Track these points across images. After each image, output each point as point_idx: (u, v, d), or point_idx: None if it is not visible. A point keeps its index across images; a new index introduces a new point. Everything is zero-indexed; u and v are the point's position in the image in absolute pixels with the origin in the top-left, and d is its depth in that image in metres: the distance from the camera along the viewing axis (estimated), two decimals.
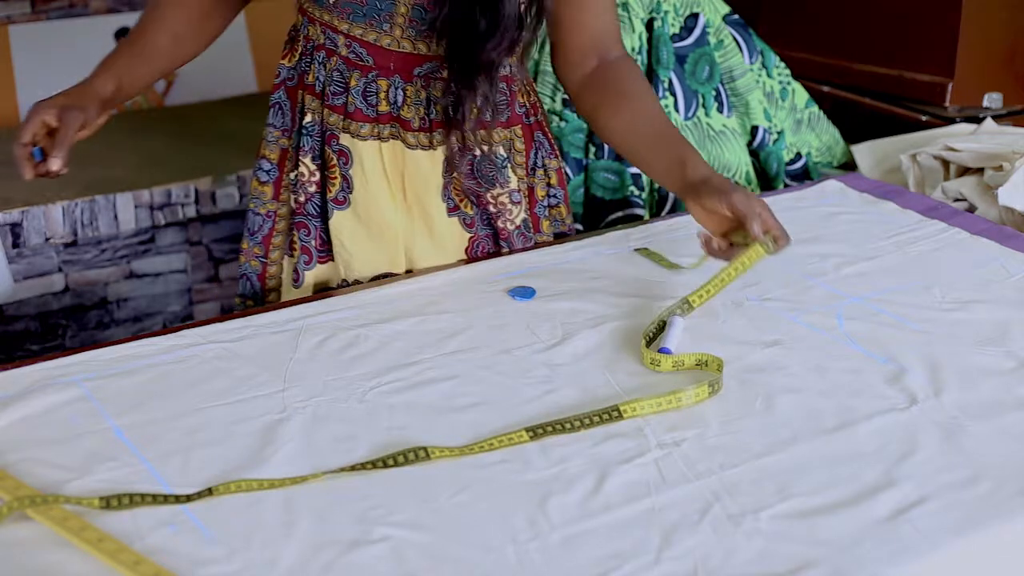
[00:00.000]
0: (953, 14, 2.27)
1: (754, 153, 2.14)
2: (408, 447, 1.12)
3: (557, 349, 1.32)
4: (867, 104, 2.37)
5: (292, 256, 1.58)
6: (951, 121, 2.23)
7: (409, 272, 1.55)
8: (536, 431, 1.15)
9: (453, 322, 1.38)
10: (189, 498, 1.05)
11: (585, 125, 1.98)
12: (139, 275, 2.48)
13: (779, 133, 2.17)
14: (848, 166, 2.23)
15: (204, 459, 1.11)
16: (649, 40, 2.04)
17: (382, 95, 1.49)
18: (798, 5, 2.54)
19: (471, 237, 1.56)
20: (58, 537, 0.99)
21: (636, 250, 1.57)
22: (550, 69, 1.90)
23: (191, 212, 2.45)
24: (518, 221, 1.57)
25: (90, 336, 2.45)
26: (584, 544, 1.01)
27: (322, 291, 1.57)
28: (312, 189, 1.55)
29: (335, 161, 1.52)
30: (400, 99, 1.50)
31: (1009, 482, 1.10)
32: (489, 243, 1.58)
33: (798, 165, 2.21)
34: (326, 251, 1.57)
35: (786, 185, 2.15)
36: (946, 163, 1.92)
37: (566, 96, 1.95)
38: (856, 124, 2.31)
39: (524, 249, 1.58)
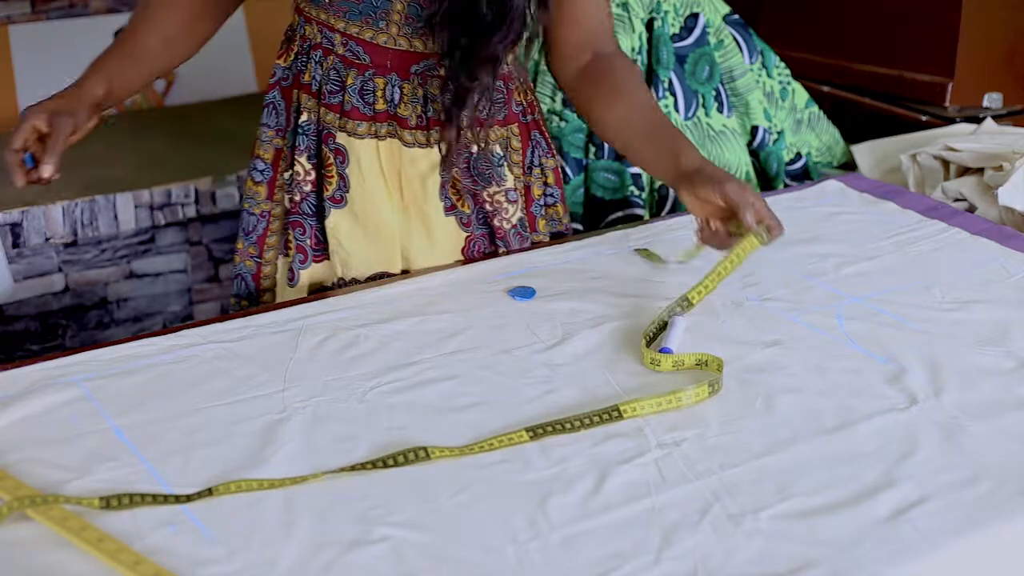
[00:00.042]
0: (953, 14, 2.27)
1: (754, 153, 2.14)
2: (408, 447, 1.12)
3: (557, 349, 1.32)
4: (867, 104, 2.37)
5: (287, 256, 1.58)
6: (951, 121, 2.23)
7: (405, 272, 1.55)
8: (536, 431, 1.15)
9: (453, 322, 1.38)
10: (189, 498, 1.05)
11: (585, 125, 1.98)
12: (139, 275, 2.48)
13: (779, 133, 2.17)
14: (848, 166, 2.23)
15: (204, 459, 1.11)
16: (649, 40, 2.04)
17: (379, 93, 1.50)
18: (798, 5, 2.54)
19: (467, 236, 1.56)
20: (58, 537, 0.99)
21: (636, 250, 1.57)
22: None
23: (191, 212, 2.45)
24: (514, 220, 1.57)
25: (90, 336, 2.45)
26: (584, 544, 1.01)
27: (317, 290, 1.57)
28: (307, 188, 1.55)
29: (332, 160, 1.52)
30: (397, 97, 1.50)
31: (1009, 482, 1.10)
32: (485, 242, 1.58)
33: (798, 165, 2.21)
34: (321, 250, 1.57)
35: (786, 185, 2.15)
36: (946, 163, 1.92)
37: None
38: (856, 124, 2.31)
39: (524, 249, 1.58)
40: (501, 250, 1.57)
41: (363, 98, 1.50)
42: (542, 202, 1.62)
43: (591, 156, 2.00)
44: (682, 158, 1.42)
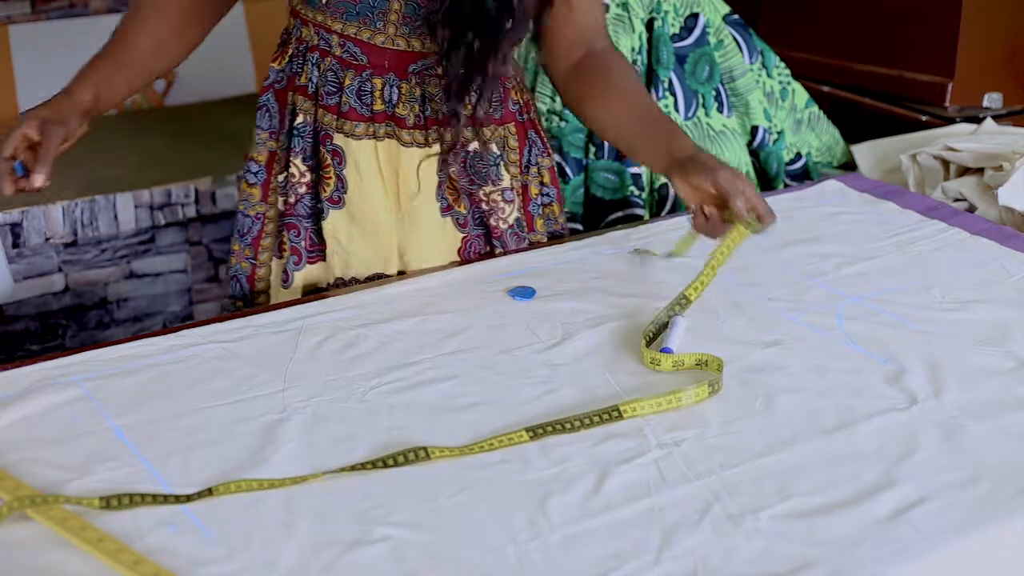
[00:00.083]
0: (953, 14, 2.27)
1: (754, 153, 2.14)
2: (408, 447, 1.12)
3: (557, 349, 1.32)
4: (867, 104, 2.37)
5: (281, 258, 1.58)
6: (951, 121, 2.23)
7: (402, 273, 1.55)
8: (536, 431, 1.15)
9: (453, 322, 1.38)
10: (189, 498, 1.05)
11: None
12: (139, 275, 2.48)
13: (779, 133, 2.17)
14: (848, 166, 2.23)
15: (204, 459, 1.11)
16: (649, 40, 2.04)
17: (377, 94, 1.49)
18: (798, 5, 2.54)
19: (464, 237, 1.56)
20: (58, 537, 0.99)
21: (636, 250, 1.57)
22: None
23: (191, 212, 2.45)
24: (511, 220, 1.57)
25: (90, 336, 2.45)
26: (584, 544, 1.01)
27: (311, 292, 1.56)
28: (302, 190, 1.55)
29: (329, 161, 1.52)
30: (395, 97, 1.50)
31: (1009, 482, 1.10)
32: (482, 243, 1.58)
33: (798, 165, 2.21)
34: (316, 252, 1.57)
35: (786, 185, 2.15)
36: (946, 163, 1.92)
37: None
38: (856, 124, 2.31)
39: (523, 249, 1.58)
40: (498, 250, 1.57)
41: (361, 99, 1.50)
42: (539, 201, 1.62)
43: (591, 156, 2.00)
44: (675, 146, 1.43)
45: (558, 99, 2.00)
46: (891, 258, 1.56)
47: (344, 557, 0.98)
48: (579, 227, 1.98)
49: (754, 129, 2.13)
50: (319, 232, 1.56)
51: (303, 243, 1.56)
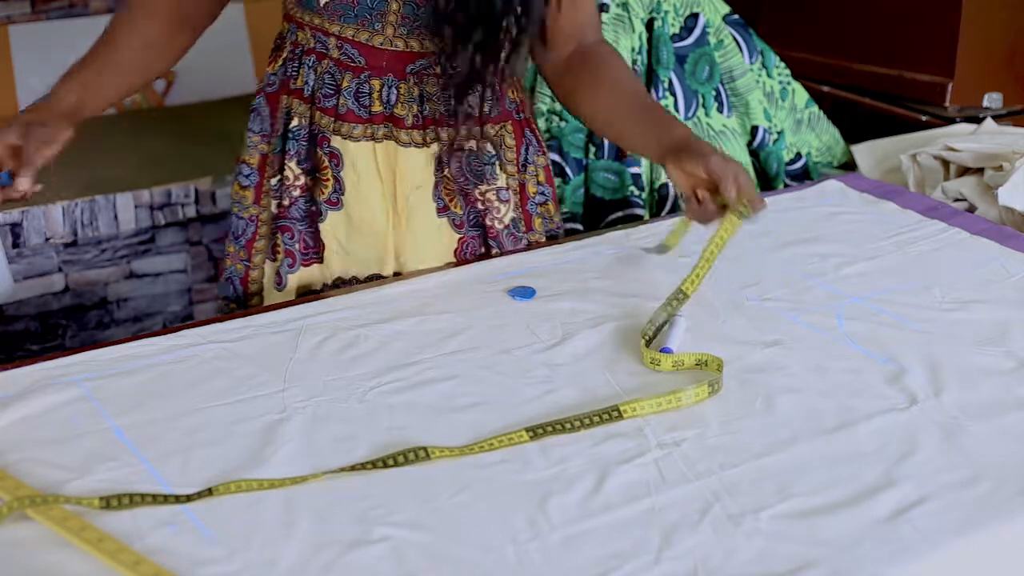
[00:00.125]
0: (953, 14, 2.28)
1: (754, 153, 2.15)
2: (408, 447, 1.12)
3: (557, 349, 1.32)
4: (867, 104, 2.37)
5: (275, 260, 1.58)
6: (951, 121, 2.23)
7: (398, 274, 1.55)
8: (536, 431, 1.15)
9: (453, 322, 1.38)
10: (189, 498, 1.05)
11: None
12: (139, 275, 2.48)
13: (779, 133, 2.17)
14: (848, 166, 2.23)
15: (204, 459, 1.11)
16: (649, 40, 2.04)
17: (375, 95, 1.49)
18: (798, 5, 2.54)
19: (460, 238, 1.56)
20: (58, 537, 0.99)
21: (644, 249, 1.56)
22: None
23: (191, 212, 2.45)
24: (506, 220, 1.57)
25: (90, 336, 2.45)
26: (584, 544, 1.01)
27: (305, 294, 1.56)
28: (296, 193, 1.55)
29: (327, 163, 1.52)
30: (393, 97, 1.50)
31: (1009, 482, 1.10)
32: (478, 243, 1.57)
33: (798, 165, 2.21)
34: (310, 254, 1.56)
35: (786, 185, 2.16)
36: (946, 163, 1.92)
37: None
38: (856, 124, 2.32)
39: (523, 249, 1.58)
40: (494, 251, 1.57)
41: (359, 101, 1.49)
42: (536, 200, 1.62)
43: (591, 156, 2.00)
44: (669, 132, 1.44)
45: None
46: (891, 258, 1.56)
47: (344, 557, 0.98)
48: (579, 227, 1.98)
49: (754, 129, 2.13)
50: (313, 235, 1.55)
51: (297, 246, 1.56)
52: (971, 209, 1.81)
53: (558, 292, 1.45)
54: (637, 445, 1.14)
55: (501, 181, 1.56)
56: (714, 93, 2.09)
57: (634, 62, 2.03)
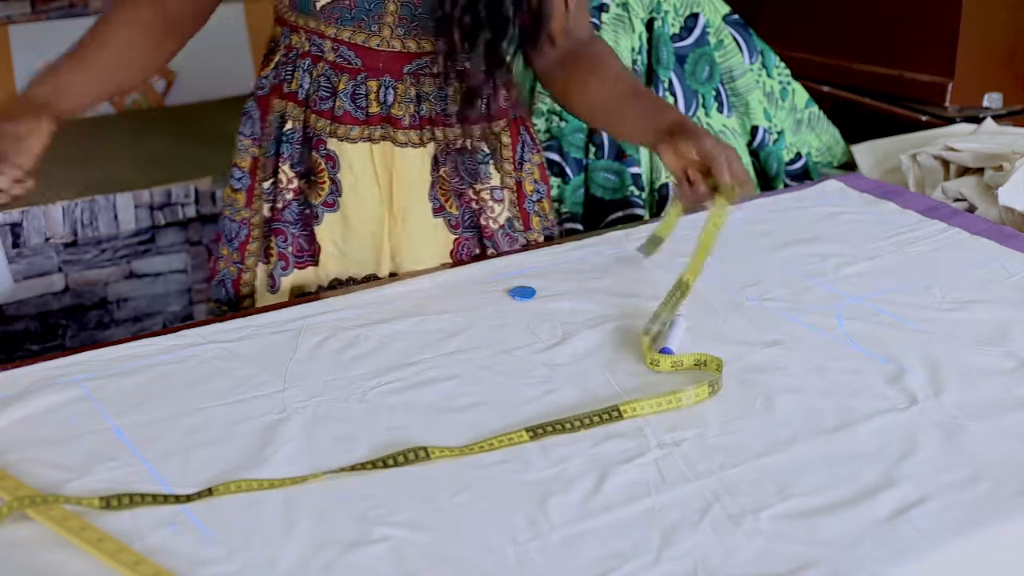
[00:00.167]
0: (953, 14, 2.28)
1: (754, 153, 2.15)
2: (408, 447, 1.12)
3: (557, 349, 1.32)
4: (867, 104, 2.37)
5: (267, 263, 1.57)
6: (951, 121, 2.23)
7: (394, 275, 1.55)
8: (536, 431, 1.15)
9: (453, 322, 1.38)
10: (189, 498, 1.05)
11: (585, 125, 1.98)
12: (139, 275, 2.48)
13: (779, 133, 2.17)
14: (848, 166, 2.23)
15: (204, 459, 1.11)
16: (649, 40, 2.04)
17: (372, 97, 1.49)
18: (798, 5, 2.54)
19: (456, 239, 1.56)
20: (58, 537, 0.99)
21: (638, 249, 1.57)
22: None
23: (191, 212, 2.45)
24: (501, 220, 1.57)
25: (90, 336, 2.45)
26: (584, 544, 1.01)
27: (299, 296, 1.56)
28: (290, 196, 1.54)
29: (323, 166, 1.52)
30: (391, 98, 1.49)
31: (1009, 482, 1.10)
32: (474, 244, 1.57)
33: (798, 165, 2.21)
34: (304, 257, 1.56)
35: (786, 185, 2.16)
36: (946, 163, 1.92)
37: None
38: (856, 124, 2.32)
39: (523, 249, 1.58)
40: (490, 251, 1.57)
41: (355, 102, 1.49)
42: (533, 198, 1.62)
43: (591, 156, 2.00)
44: (662, 116, 1.45)
45: None
46: (891, 258, 1.56)
47: (344, 557, 0.98)
48: (579, 227, 1.98)
49: (754, 129, 2.13)
50: (308, 238, 1.55)
51: (291, 249, 1.55)
52: (971, 209, 1.81)
53: (558, 292, 1.45)
54: (637, 445, 1.14)
55: (495, 180, 1.56)
56: (714, 93, 2.09)
57: (634, 62, 2.03)
